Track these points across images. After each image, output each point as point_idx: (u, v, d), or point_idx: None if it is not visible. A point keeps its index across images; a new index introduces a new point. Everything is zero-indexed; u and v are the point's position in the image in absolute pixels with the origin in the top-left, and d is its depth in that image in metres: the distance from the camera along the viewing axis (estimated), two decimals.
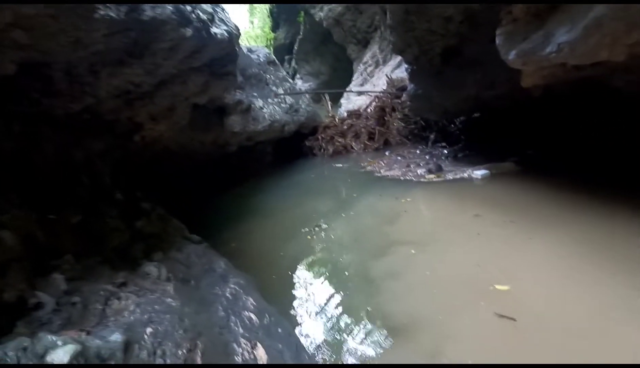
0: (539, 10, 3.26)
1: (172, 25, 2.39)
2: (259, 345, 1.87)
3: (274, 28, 21.38)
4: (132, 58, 2.39)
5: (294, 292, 3.14)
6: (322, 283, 3.24)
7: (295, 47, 18.41)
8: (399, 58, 10.37)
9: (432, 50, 5.66)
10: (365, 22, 12.21)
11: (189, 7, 2.56)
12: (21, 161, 2.22)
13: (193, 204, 5.72)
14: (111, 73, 2.38)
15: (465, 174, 5.16)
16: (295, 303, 2.96)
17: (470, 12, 4.86)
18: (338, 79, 16.49)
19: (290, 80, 8.70)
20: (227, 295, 2.27)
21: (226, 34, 3.03)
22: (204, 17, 2.72)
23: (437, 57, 5.78)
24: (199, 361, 1.57)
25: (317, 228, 4.40)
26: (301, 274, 3.47)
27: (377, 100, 8.87)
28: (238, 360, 1.71)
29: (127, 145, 3.44)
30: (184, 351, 1.57)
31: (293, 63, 19.48)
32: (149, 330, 1.58)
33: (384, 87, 9.25)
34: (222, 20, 3.08)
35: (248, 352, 1.79)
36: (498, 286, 2.61)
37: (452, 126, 6.79)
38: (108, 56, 2.27)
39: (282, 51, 20.59)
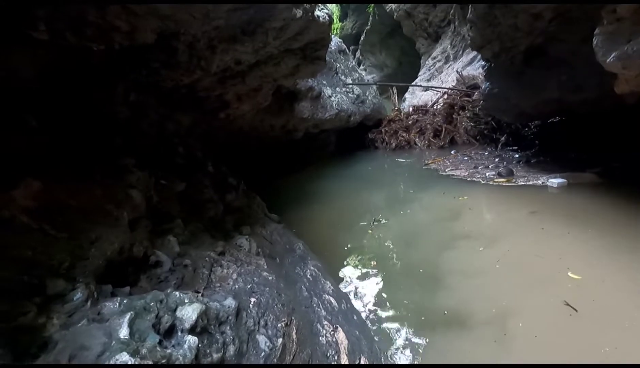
0: None
1: (286, 5, 2.47)
2: (339, 328, 1.91)
3: (342, 17, 21.30)
4: (245, 35, 2.50)
5: (357, 283, 3.16)
6: (385, 276, 3.24)
7: (362, 38, 18.25)
8: (471, 55, 9.97)
9: (515, 48, 5.37)
10: (439, 16, 11.83)
11: None
12: (134, 128, 2.41)
13: (257, 185, 5.91)
14: (225, 49, 2.50)
15: (539, 181, 4.89)
16: (359, 294, 2.99)
17: (563, 9, 4.56)
18: (403, 73, 16.20)
19: (359, 70, 8.65)
20: (308, 276, 2.34)
21: (327, 17, 3.08)
22: None
23: (519, 56, 5.48)
24: (294, 336, 1.64)
25: (376, 222, 4.39)
26: (363, 266, 3.49)
27: (445, 97, 8.62)
28: (322, 340, 1.77)
29: (211, 122, 3.61)
30: (283, 324, 1.65)
31: (358, 54, 19.36)
32: (252, 299, 1.68)
33: (454, 84, 8.96)
34: (322, 4, 3.12)
35: (330, 334, 1.84)
36: (570, 275, 2.65)
37: (526, 129, 6.46)
38: (225, 32, 2.39)
39: (348, 41, 20.46)
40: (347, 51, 8.03)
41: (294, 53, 3.29)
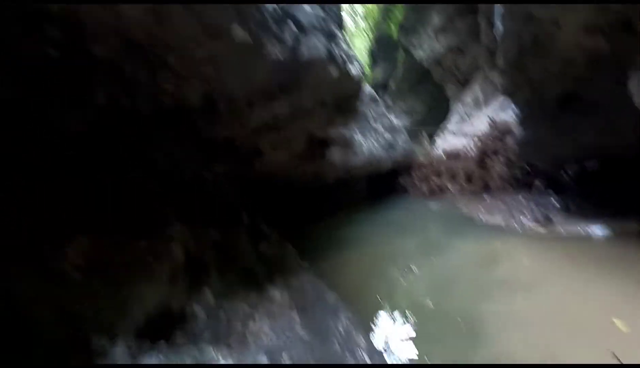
0: None
1: (322, 65, 2.62)
2: None
3: (372, 66, 21.92)
4: (282, 93, 2.65)
5: (391, 335, 3.06)
6: (420, 327, 3.12)
7: (392, 85, 18.64)
8: (501, 100, 9.96)
9: (547, 94, 5.35)
10: (467, 62, 12.01)
11: (335, 48, 2.78)
12: (173, 177, 2.53)
13: (288, 230, 5.95)
14: (263, 106, 2.66)
15: (580, 229, 4.68)
16: (394, 348, 2.88)
17: (596, 53, 4.54)
18: (432, 118, 16.27)
19: (390, 117, 8.79)
20: (340, 329, 2.31)
21: (360, 73, 3.22)
22: (344, 56, 2.93)
23: (552, 101, 5.43)
24: None
25: (409, 270, 4.29)
26: (397, 316, 3.38)
27: (477, 141, 8.56)
28: None
29: (245, 169, 3.74)
30: None
31: (388, 99, 19.69)
32: (285, 355, 1.67)
33: (485, 129, 8.91)
34: (355, 59, 3.28)
35: None
36: (618, 326, 2.49)
37: (563, 173, 6.27)
38: (264, 90, 2.54)
39: (378, 88, 20.96)
40: (377, 98, 8.22)
41: (328, 106, 3.42)
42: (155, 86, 1.86)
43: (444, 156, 9.01)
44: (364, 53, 22.89)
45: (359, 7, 24.16)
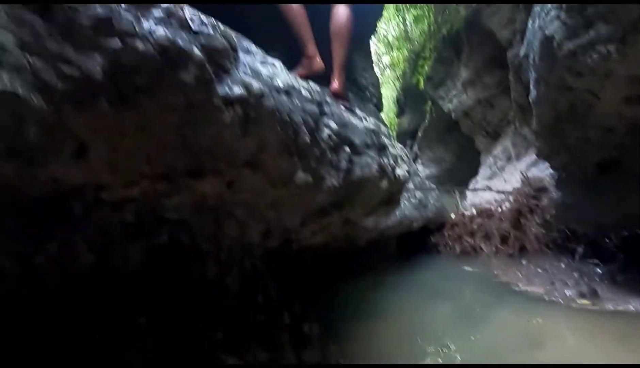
0: None
1: (374, 181, 2.67)
2: None
3: (399, 114, 22.20)
4: (334, 209, 2.70)
5: None
6: None
7: (419, 134, 18.71)
8: (534, 155, 9.76)
9: (586, 160, 5.18)
10: (497, 116, 11.92)
11: (385, 159, 2.85)
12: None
13: (314, 290, 5.81)
14: (315, 222, 2.71)
15: (631, 306, 4.35)
16: None
17: (636, 123, 4.41)
18: (461, 168, 16.10)
19: (421, 174, 8.73)
20: None
21: (407, 174, 3.27)
22: (393, 163, 3.00)
23: (591, 167, 5.26)
24: None
25: (444, 349, 4.05)
26: None
27: (510, 199, 8.32)
28: None
29: (284, 252, 3.74)
30: None
31: (415, 148, 19.72)
32: None
33: (518, 186, 8.67)
34: (402, 160, 3.34)
35: None
36: None
37: (607, 240, 5.95)
38: (317, 212, 2.60)
39: (405, 136, 21.10)
40: (410, 157, 8.20)
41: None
42: (219, 232, 1.94)
43: (475, 213, 8.78)
44: (390, 102, 23.28)
45: (386, 57, 24.82)
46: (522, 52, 5.88)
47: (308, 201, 2.24)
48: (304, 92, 2.20)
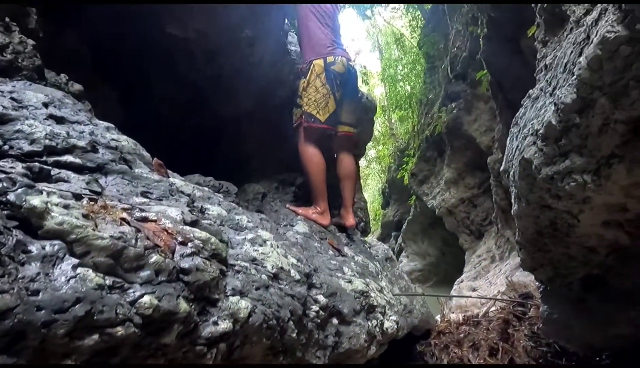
0: None
1: (362, 352, 2.58)
2: None
3: (384, 205, 22.57)
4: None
5: None
6: None
7: (404, 227, 18.85)
8: (518, 258, 9.77)
9: (571, 275, 5.15)
10: (480, 216, 12.19)
11: (374, 322, 2.81)
12: None
13: None
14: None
15: None
16: None
17: (617, 246, 4.47)
18: (446, 263, 16.05)
19: (406, 279, 8.56)
20: None
21: (395, 325, 3.25)
22: (382, 318, 2.96)
23: (577, 283, 5.20)
24: None
25: None
26: None
27: (496, 306, 8.13)
28: None
29: None
30: None
31: (400, 240, 19.74)
32: None
33: (503, 290, 8.55)
34: (391, 306, 3.33)
35: None
36: None
37: (598, 358, 5.73)
38: None
39: (389, 227, 21.25)
40: (394, 258, 8.08)
41: None
42: None
43: (462, 319, 8.50)
44: (376, 193, 23.82)
45: (372, 151, 25.88)
46: (502, 167, 6.12)
47: None
48: (293, 273, 2.11)
